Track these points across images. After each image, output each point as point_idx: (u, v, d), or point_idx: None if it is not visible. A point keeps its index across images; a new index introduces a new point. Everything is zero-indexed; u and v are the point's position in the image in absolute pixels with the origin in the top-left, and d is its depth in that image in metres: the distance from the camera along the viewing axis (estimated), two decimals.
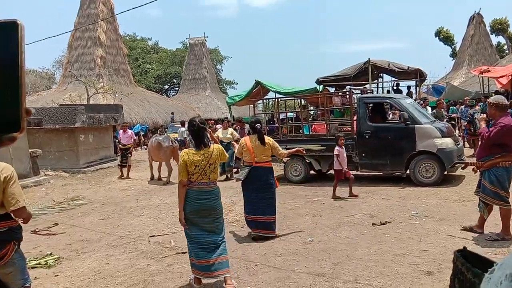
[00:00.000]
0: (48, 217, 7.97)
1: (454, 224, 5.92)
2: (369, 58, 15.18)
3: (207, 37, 41.41)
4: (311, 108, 15.14)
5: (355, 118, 9.81)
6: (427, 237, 5.46)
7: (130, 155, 13.05)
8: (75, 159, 14.67)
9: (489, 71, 15.67)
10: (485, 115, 6.37)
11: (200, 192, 4.17)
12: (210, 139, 4.40)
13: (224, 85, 51.55)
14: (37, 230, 6.93)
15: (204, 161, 4.14)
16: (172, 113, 30.12)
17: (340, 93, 14.72)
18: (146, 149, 18.61)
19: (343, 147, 8.44)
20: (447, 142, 8.72)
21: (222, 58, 52.28)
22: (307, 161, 10.15)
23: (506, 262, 0.56)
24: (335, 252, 5.10)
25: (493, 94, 11.68)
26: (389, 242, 5.33)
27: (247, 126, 11.27)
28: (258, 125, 5.98)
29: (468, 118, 13.22)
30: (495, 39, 39.40)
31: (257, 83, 16.28)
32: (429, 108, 14.60)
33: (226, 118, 18.19)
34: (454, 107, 17.98)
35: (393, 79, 17.46)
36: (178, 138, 16.40)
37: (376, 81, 17.11)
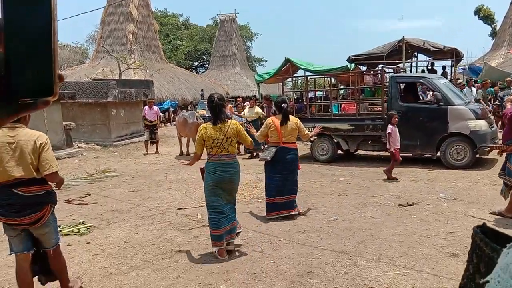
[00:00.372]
0: (81, 188, 8.27)
1: (483, 208, 5.80)
2: (403, 36, 14.72)
3: (238, 13, 40.91)
4: (341, 86, 14.86)
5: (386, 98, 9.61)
6: (454, 219, 5.37)
7: (157, 131, 13.18)
8: (107, 132, 15.06)
9: None
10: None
11: (221, 165, 4.44)
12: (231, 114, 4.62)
13: (254, 62, 51.25)
14: (70, 199, 7.22)
15: (221, 135, 4.42)
16: (202, 90, 30.28)
17: (372, 72, 14.39)
18: (175, 125, 18.88)
19: (396, 125, 8.00)
20: (481, 124, 8.46)
21: (252, 35, 51.83)
22: (335, 141, 10.06)
23: None
24: (359, 231, 5.09)
25: None
26: (415, 223, 5.28)
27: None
28: (284, 105, 5.85)
29: (497, 101, 12.75)
30: None
31: (287, 60, 16.06)
32: (474, 89, 13.91)
33: (254, 96, 18.13)
34: (491, 89, 17.30)
35: (428, 58, 16.90)
36: (207, 115, 16.52)
37: (410, 60, 16.61)
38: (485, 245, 0.76)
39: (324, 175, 8.68)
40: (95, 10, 31.03)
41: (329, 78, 13.39)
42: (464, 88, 13.52)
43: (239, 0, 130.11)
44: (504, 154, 5.27)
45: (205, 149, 4.52)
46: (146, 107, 13.34)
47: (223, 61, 39.69)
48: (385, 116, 9.32)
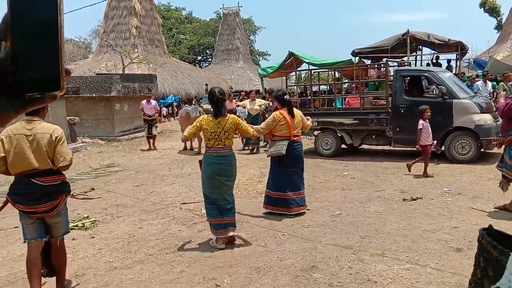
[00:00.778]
0: (85, 182, 8.31)
1: (488, 202, 5.77)
2: (408, 29, 14.62)
3: (241, 7, 40.72)
4: (345, 80, 14.79)
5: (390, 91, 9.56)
6: (458, 214, 5.35)
7: (156, 126, 13.03)
8: (111, 127, 15.10)
9: None
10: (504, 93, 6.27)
11: (217, 157, 4.57)
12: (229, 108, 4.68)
13: (257, 56, 51.04)
14: (74, 194, 7.23)
15: (219, 129, 4.54)
16: (206, 85, 30.21)
17: (376, 66, 14.32)
18: (178, 119, 18.87)
19: (427, 120, 7.64)
20: (486, 118, 8.40)
21: (256, 29, 51.60)
22: (339, 135, 10.04)
23: None
24: (363, 225, 5.09)
25: None
26: (419, 218, 5.27)
27: None
28: (287, 97, 5.69)
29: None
30: None
31: (291, 54, 16.00)
32: (489, 83, 13.59)
33: (258, 90, 18.09)
34: (495, 82, 17.15)
35: (432, 52, 16.78)
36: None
37: (414, 53, 16.50)
38: (493, 248, 0.75)
39: (328, 169, 8.67)
40: (97, 3, 30.98)
41: (333, 72, 13.31)
42: (478, 82, 13.28)
43: None
44: (503, 147, 5.29)
45: (203, 143, 4.60)
46: (144, 101, 13.02)
47: (227, 55, 39.56)
48: (389, 110, 9.28)
